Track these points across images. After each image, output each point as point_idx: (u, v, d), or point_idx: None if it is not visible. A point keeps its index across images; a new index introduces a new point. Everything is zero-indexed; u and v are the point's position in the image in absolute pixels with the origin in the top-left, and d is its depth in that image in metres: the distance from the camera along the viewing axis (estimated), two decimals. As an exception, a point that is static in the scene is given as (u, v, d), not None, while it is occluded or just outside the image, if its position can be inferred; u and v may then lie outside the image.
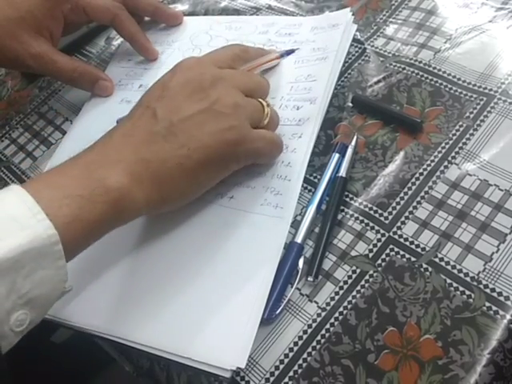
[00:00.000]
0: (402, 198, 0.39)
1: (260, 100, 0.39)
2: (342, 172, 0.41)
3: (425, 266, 0.36)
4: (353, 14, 0.49)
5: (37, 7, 0.48)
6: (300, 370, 0.34)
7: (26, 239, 0.28)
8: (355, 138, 0.42)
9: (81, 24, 0.55)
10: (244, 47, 0.43)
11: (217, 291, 0.36)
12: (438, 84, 0.44)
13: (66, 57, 0.50)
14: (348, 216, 0.39)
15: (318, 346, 0.34)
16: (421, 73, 0.45)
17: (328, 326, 0.35)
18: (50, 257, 0.29)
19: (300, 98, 0.44)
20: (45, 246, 0.29)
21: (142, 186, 0.34)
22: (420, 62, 0.46)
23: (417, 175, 0.40)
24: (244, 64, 0.41)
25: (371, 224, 0.38)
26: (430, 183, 0.39)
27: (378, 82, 0.46)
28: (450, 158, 0.40)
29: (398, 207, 0.39)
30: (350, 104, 0.45)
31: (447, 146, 0.41)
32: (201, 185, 0.38)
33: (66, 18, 0.50)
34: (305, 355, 0.34)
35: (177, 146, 0.35)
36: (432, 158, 0.40)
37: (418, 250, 0.36)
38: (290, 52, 0.44)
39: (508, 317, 0.33)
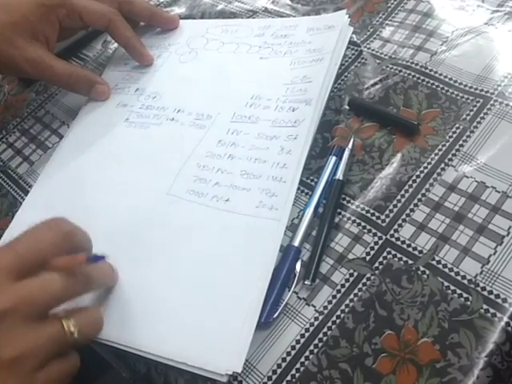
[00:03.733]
0: (398, 201, 0.39)
1: (62, 322, 0.31)
2: (339, 175, 0.40)
3: (422, 268, 0.36)
4: (349, 17, 0.49)
5: (31, 12, 0.48)
6: (298, 374, 0.34)
7: None
8: (352, 140, 0.42)
9: (77, 29, 0.55)
10: (71, 231, 0.33)
11: (212, 295, 0.36)
12: (434, 86, 0.44)
13: (62, 61, 0.50)
14: (345, 219, 0.39)
15: (315, 350, 0.34)
16: (417, 75, 0.45)
17: (325, 329, 0.35)
18: None
19: (296, 100, 0.44)
20: None
21: None
22: (416, 65, 0.46)
23: (414, 178, 0.40)
24: (63, 253, 0.32)
25: (368, 227, 0.38)
26: (427, 186, 0.39)
27: (375, 84, 0.46)
28: (446, 161, 0.40)
29: (395, 210, 0.39)
30: (347, 107, 0.45)
31: (444, 149, 0.41)
32: None
33: (62, 23, 0.50)
34: (302, 359, 0.34)
35: None
36: (429, 160, 0.40)
37: (415, 252, 0.36)
38: (99, 258, 0.35)
39: (505, 319, 0.32)
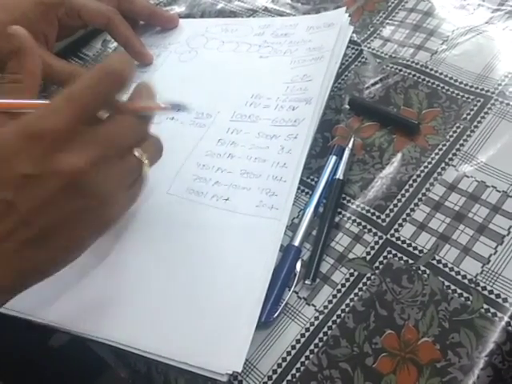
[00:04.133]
0: (399, 200, 0.39)
1: (137, 156, 0.33)
2: (339, 174, 0.40)
3: (422, 268, 0.36)
4: (349, 16, 0.49)
5: (31, 11, 0.47)
6: (298, 374, 0.34)
7: None
8: (352, 140, 0.42)
9: (76, 28, 0.55)
10: (120, 69, 0.31)
11: (212, 294, 0.36)
12: (434, 85, 0.44)
13: (62, 61, 0.50)
14: (345, 218, 0.39)
15: (315, 350, 0.34)
16: (418, 74, 0.45)
17: (326, 329, 0.35)
18: None
19: (296, 99, 0.44)
20: None
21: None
22: (417, 64, 0.46)
23: (414, 177, 0.40)
24: (119, 94, 0.32)
25: (369, 226, 0.38)
26: (428, 185, 0.39)
27: (375, 83, 0.46)
28: (447, 160, 0.40)
29: (396, 209, 0.39)
30: (347, 106, 0.45)
31: (444, 148, 0.40)
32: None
33: (61, 22, 0.50)
34: (303, 359, 0.34)
35: (53, 252, 0.31)
36: (429, 159, 0.40)
37: (416, 252, 0.36)
38: (178, 107, 0.35)
39: (506, 319, 0.33)
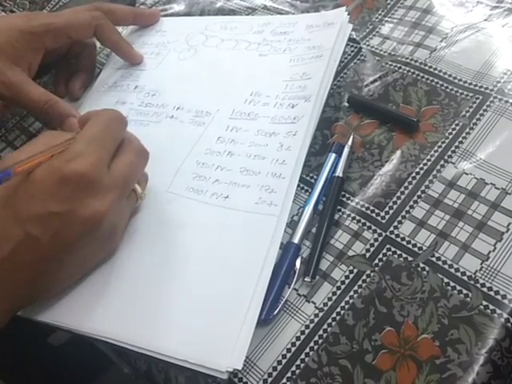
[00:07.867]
0: (398, 198, 0.39)
1: (136, 190, 0.39)
2: (339, 172, 0.40)
3: (422, 265, 0.36)
4: (348, 14, 0.49)
5: (16, 39, 0.47)
6: (298, 371, 0.34)
7: None
8: (351, 137, 0.42)
9: (62, 49, 0.54)
10: (120, 116, 0.38)
11: (212, 292, 0.36)
12: (433, 83, 0.44)
13: (41, 89, 0.49)
14: (345, 216, 0.39)
15: (315, 347, 0.34)
16: (417, 72, 0.45)
17: (325, 326, 0.35)
18: None
19: (295, 96, 0.44)
20: None
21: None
22: (416, 61, 0.46)
23: (413, 174, 0.40)
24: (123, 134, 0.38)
25: (368, 224, 0.38)
26: (427, 182, 0.39)
27: (374, 81, 0.46)
28: (446, 157, 0.40)
29: (395, 207, 0.39)
30: (346, 104, 0.45)
31: (443, 145, 0.41)
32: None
33: (48, 48, 0.49)
34: (302, 356, 0.34)
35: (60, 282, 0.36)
36: (428, 157, 0.40)
37: (415, 249, 0.36)
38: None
39: (505, 315, 0.33)
